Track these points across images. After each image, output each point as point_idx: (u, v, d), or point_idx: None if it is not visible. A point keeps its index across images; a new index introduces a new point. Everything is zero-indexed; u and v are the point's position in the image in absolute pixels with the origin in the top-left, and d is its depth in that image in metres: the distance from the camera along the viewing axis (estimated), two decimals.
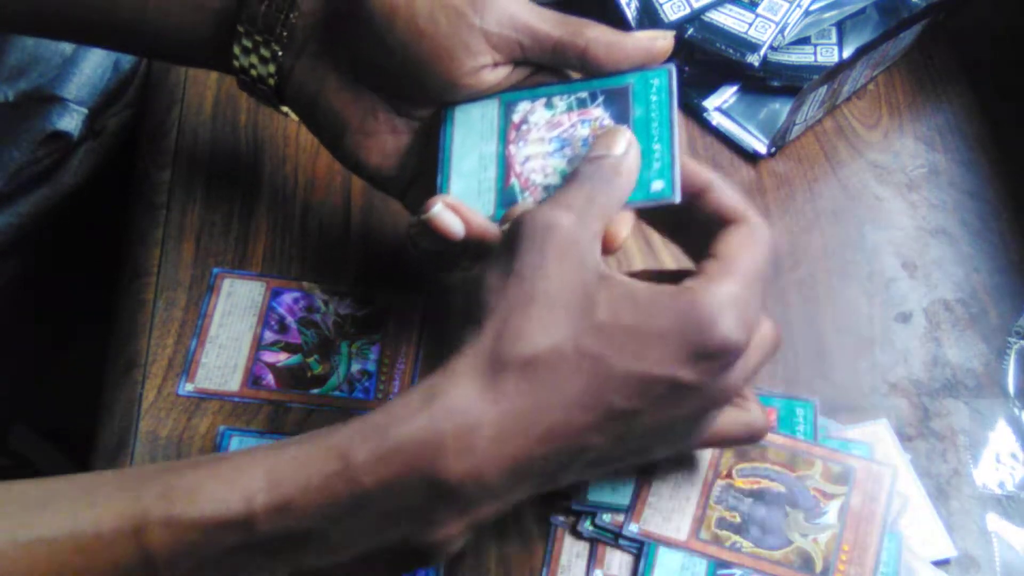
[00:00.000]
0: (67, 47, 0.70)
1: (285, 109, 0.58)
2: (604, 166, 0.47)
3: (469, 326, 0.44)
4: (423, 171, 0.55)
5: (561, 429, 0.42)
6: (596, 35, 0.51)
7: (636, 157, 0.48)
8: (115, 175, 0.74)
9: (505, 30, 0.51)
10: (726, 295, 0.43)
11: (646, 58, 0.52)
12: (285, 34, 0.54)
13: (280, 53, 0.55)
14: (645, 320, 0.43)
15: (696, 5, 0.69)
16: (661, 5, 0.69)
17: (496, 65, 0.52)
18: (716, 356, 0.43)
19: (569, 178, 0.48)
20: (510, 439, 0.42)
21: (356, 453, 0.41)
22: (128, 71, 0.75)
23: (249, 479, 0.42)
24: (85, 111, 0.72)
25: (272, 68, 0.55)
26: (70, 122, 0.71)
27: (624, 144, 0.48)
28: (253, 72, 0.56)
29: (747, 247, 0.46)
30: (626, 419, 0.43)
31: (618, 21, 0.70)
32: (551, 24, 0.52)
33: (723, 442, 0.51)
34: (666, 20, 0.68)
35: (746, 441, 0.51)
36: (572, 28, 0.52)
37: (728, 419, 0.50)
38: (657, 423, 0.44)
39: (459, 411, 0.42)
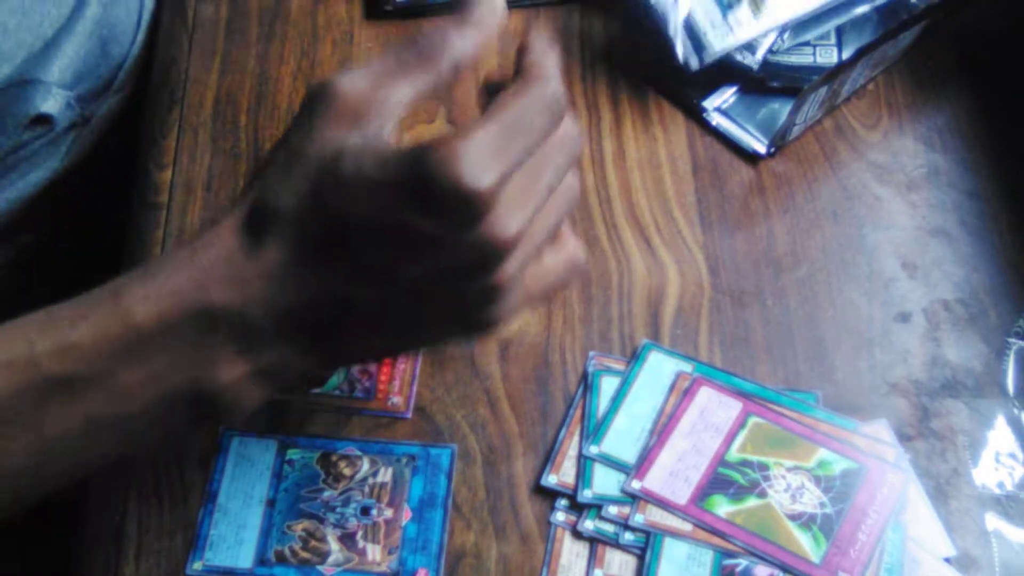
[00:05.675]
0: (48, 30, 0.70)
1: None
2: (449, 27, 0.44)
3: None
4: None
5: (315, 278, 0.43)
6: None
7: (494, 27, 0.45)
8: (107, 163, 0.74)
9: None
10: (465, 141, 0.40)
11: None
12: None
13: None
14: (382, 171, 0.42)
15: None
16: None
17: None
18: (450, 200, 0.40)
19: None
20: (269, 286, 0.43)
21: (128, 292, 0.44)
22: (118, 56, 0.75)
23: (27, 322, 0.45)
24: (69, 94, 0.71)
25: None
26: (54, 105, 0.70)
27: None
28: None
29: (510, 97, 0.42)
30: (377, 270, 0.43)
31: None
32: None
33: (550, 293, 0.48)
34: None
35: (572, 278, 0.49)
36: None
37: (547, 266, 0.47)
38: (420, 279, 0.43)
39: (222, 261, 0.44)
